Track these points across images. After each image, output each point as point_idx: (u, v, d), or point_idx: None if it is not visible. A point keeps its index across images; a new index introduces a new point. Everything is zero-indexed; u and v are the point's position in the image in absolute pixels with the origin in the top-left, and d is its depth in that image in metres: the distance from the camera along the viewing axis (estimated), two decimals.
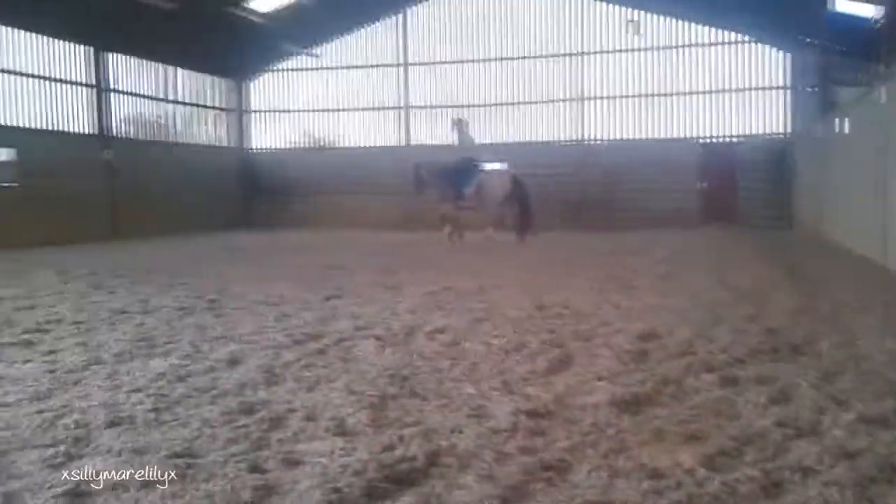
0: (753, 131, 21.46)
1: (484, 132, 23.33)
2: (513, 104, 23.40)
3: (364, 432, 3.60)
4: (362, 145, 24.67)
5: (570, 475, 3.08)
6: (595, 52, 22.56)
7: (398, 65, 24.21)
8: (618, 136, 22.61)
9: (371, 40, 24.43)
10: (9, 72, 17.12)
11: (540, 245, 15.16)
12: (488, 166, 16.92)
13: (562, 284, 9.13)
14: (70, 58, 18.85)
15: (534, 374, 4.65)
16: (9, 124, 17.08)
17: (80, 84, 19.14)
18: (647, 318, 6.55)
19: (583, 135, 22.88)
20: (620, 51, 22.31)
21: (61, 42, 18.45)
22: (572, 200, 21.80)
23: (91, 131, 19.45)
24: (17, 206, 16.53)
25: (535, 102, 23.21)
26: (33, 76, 17.79)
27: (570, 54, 22.75)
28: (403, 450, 3.32)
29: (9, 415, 3.87)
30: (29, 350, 5.52)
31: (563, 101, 22.99)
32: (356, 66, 24.56)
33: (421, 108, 24.20)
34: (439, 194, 16.18)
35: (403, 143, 24.23)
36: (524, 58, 23.15)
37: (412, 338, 5.84)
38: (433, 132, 23.56)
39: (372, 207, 23.25)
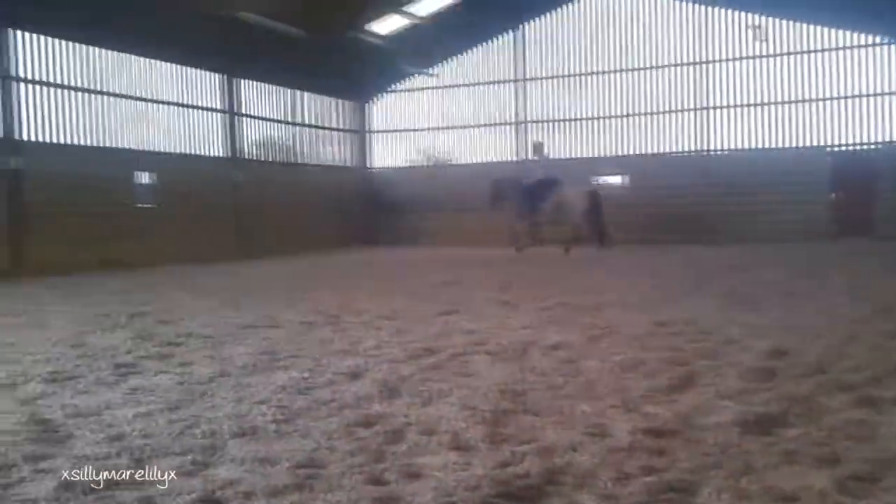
0: (890, 139, 20.24)
1: (602, 145, 23.14)
2: (633, 116, 23.01)
3: (479, 448, 3.59)
4: (478, 161, 24.86)
5: (693, 497, 2.97)
6: (718, 61, 21.91)
7: (514, 80, 24.31)
8: (742, 146, 21.84)
9: (487, 57, 24.68)
10: (150, 100, 18.30)
11: (658, 259, 14.79)
12: (567, 184, 17.77)
13: (682, 300, 8.87)
14: (205, 85, 19.96)
15: (654, 392, 4.52)
16: (150, 149, 18.25)
17: (214, 110, 20.22)
18: (775, 335, 6.25)
19: (705, 145, 22.23)
20: (744, 58, 21.57)
21: (197, 70, 19.58)
22: (694, 212, 21.19)
23: (223, 154, 20.49)
24: (157, 225, 17.59)
25: (657, 113, 22.74)
26: (172, 104, 18.94)
27: (692, 63, 22.18)
28: (518, 466, 3.29)
29: (144, 424, 4.09)
30: (163, 362, 5.83)
31: (686, 111, 22.42)
32: (472, 84, 24.83)
33: (538, 122, 24.17)
34: (515, 210, 17.75)
35: (520, 158, 24.28)
36: (644, 68, 22.74)
37: (526, 354, 5.80)
38: (551, 146, 23.54)
39: (488, 224, 23.36)
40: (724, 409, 4.09)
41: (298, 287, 11.40)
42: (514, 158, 24.25)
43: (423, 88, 25.56)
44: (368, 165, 26.54)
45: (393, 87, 25.95)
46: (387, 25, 21.73)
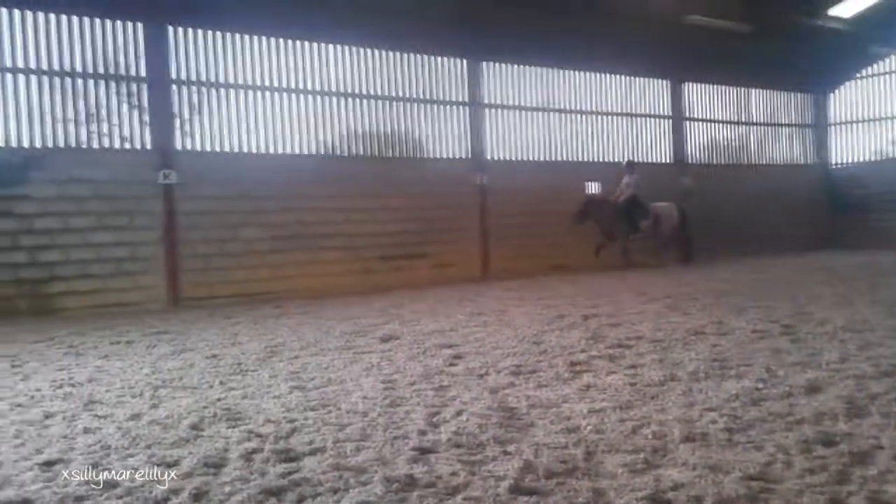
0: None
1: None
2: None
3: None
4: None
5: None
6: None
7: None
8: None
9: None
10: (597, 112, 19.19)
11: None
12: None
13: None
14: (651, 93, 20.27)
15: None
16: (598, 160, 19.12)
17: (660, 116, 20.42)
18: None
19: None
20: None
21: (643, 79, 19.99)
22: None
23: (668, 160, 20.57)
24: (597, 233, 18.26)
25: None
26: (618, 114, 19.61)
27: None
28: None
29: (597, 420, 4.29)
30: (613, 363, 6.05)
31: None
32: None
33: None
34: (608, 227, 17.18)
35: None
36: None
37: None
38: None
39: None
40: None
41: (748, 293, 10.91)
42: None
43: (893, 72, 22.59)
44: (827, 161, 24.25)
45: (857, 73, 23.35)
46: (851, 7, 19.66)
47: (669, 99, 20.56)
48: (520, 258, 16.83)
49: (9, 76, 11.72)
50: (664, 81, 20.38)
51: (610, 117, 19.47)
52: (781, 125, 23.42)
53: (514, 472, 3.41)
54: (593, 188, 18.66)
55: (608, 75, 19.29)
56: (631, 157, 18.96)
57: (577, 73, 18.74)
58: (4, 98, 11.68)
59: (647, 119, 20.19)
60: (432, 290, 13.92)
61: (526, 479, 3.34)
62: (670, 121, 20.58)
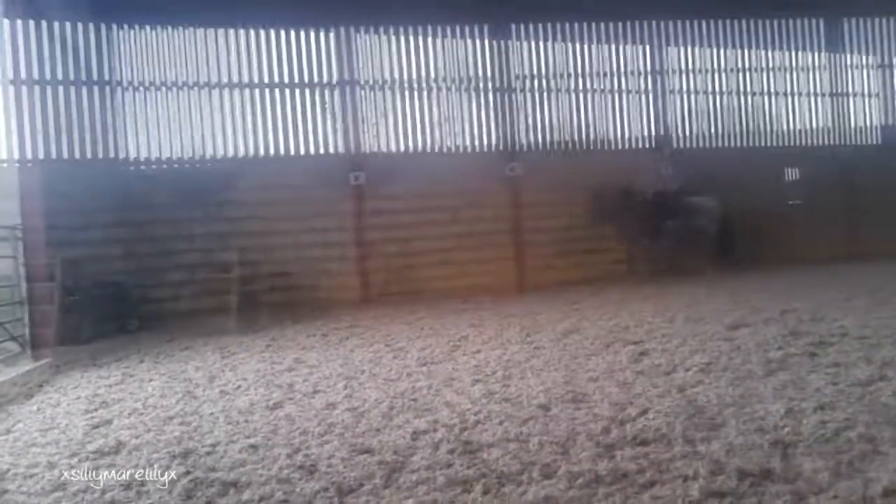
0: None
1: None
2: None
3: None
4: None
5: None
6: None
7: None
8: None
9: None
10: (794, 93, 18.00)
11: None
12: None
13: None
14: (857, 67, 18.74)
15: None
16: (792, 144, 17.93)
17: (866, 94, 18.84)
18: None
19: None
20: None
21: (846, 55, 18.52)
22: None
23: (876, 140, 18.92)
24: (801, 222, 17.10)
25: None
26: (819, 94, 18.29)
27: None
28: None
29: (794, 421, 4.03)
30: (813, 361, 5.66)
31: None
32: None
33: None
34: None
35: None
36: None
37: None
38: None
39: None
40: None
41: None
42: None
43: None
44: None
45: None
46: None
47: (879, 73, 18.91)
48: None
49: (215, 91, 12.79)
50: (872, 57, 18.76)
51: (808, 97, 18.20)
52: None
53: (705, 473, 3.28)
54: (791, 174, 17.54)
55: (805, 52, 18.06)
56: (661, 140, 16.53)
57: (769, 52, 17.69)
58: (212, 111, 12.75)
59: (852, 98, 18.68)
60: (613, 285, 13.63)
61: (717, 480, 3.20)
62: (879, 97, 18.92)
